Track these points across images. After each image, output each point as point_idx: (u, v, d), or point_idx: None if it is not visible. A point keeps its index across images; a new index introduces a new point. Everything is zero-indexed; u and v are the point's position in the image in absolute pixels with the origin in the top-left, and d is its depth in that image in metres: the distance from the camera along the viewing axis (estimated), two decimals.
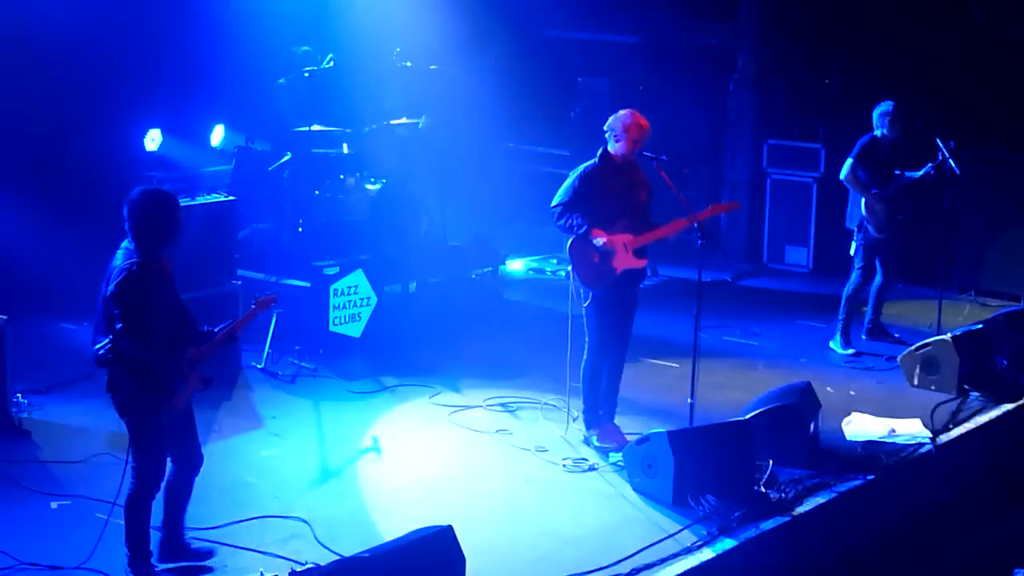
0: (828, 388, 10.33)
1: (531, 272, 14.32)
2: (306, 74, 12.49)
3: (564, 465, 8.79)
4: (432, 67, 13.70)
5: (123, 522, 6.88)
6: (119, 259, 6.74)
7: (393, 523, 7.31)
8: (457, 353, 11.15)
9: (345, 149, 12.52)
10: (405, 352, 11.08)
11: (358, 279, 11.10)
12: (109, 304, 6.65)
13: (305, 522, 7.66)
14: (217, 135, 13.00)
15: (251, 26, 12.98)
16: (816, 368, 11.08)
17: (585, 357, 9.07)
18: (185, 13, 12.52)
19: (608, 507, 8.24)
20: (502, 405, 9.90)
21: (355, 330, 11.09)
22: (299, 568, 6.36)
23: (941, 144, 11.25)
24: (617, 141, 8.83)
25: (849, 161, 11.28)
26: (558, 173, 14.22)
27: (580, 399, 9.19)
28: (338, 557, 6.56)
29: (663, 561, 7.38)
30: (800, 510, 8.17)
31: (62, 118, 11.55)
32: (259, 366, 10.49)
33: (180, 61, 12.32)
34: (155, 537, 7.02)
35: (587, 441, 9.13)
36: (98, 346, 6.73)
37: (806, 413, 8.90)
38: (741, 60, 15.19)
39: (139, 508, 6.86)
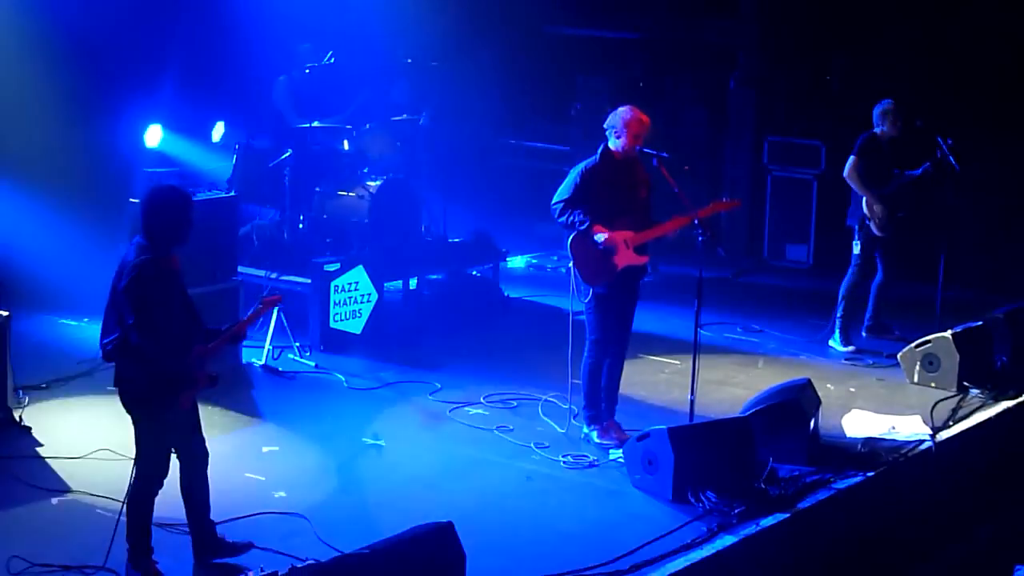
0: (828, 385, 10.34)
1: (532, 269, 14.33)
2: (307, 71, 12.50)
3: (564, 462, 8.79)
4: (433, 64, 13.73)
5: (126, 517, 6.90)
6: (130, 255, 6.76)
7: (393, 519, 7.30)
8: (457, 349, 11.16)
9: (346, 146, 12.53)
10: (405, 348, 11.09)
11: (359, 275, 11.11)
12: (119, 299, 6.67)
13: (305, 518, 7.67)
14: (218, 131, 13.01)
15: (252, 23, 12.99)
16: (816, 365, 11.09)
17: (586, 354, 9.07)
18: (186, 9, 12.52)
19: (608, 504, 8.25)
20: (502, 401, 9.90)
21: (356, 326, 11.10)
22: (299, 564, 6.36)
23: (941, 142, 11.25)
24: (618, 137, 8.83)
25: (851, 158, 11.29)
26: (559, 170, 14.24)
27: (580, 396, 9.20)
28: (338, 553, 6.56)
29: (663, 558, 7.37)
30: (800, 507, 8.17)
31: (62, 115, 11.55)
32: (259, 362, 10.50)
33: (181, 57, 12.32)
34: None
35: (587, 438, 9.13)
36: (106, 340, 6.75)
37: (806, 410, 8.90)
38: (742, 57, 15.19)
39: (141, 503, 6.87)
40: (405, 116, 13.17)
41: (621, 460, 8.64)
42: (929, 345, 10.61)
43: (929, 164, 11.28)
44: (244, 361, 10.46)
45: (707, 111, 15.53)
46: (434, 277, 12.47)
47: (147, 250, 6.73)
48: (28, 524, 7.55)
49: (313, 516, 7.69)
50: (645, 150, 8.80)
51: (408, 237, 12.26)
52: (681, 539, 7.60)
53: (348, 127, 12.52)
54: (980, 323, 10.88)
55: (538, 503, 8.20)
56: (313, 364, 10.62)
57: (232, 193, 11.21)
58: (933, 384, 10.49)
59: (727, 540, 7.65)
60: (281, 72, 12.99)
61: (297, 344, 10.75)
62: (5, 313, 8.83)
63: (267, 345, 10.59)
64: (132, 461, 6.88)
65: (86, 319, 11.08)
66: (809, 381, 9.22)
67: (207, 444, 7.11)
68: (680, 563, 7.34)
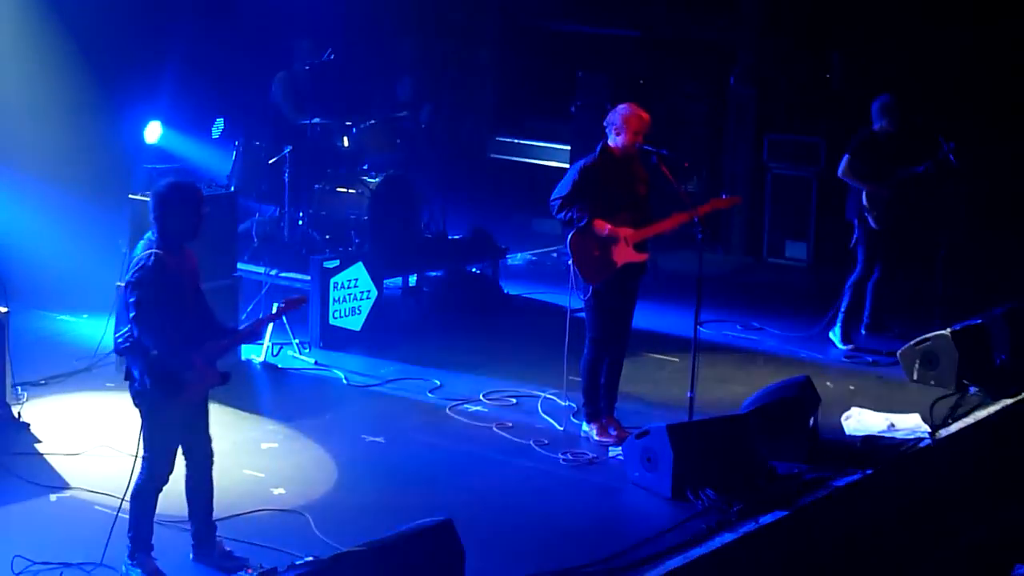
0: (827, 383, 10.33)
1: (531, 266, 14.31)
2: (307, 67, 12.49)
3: (564, 459, 8.79)
4: (432, 61, 13.73)
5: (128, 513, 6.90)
6: (139, 249, 6.80)
7: (392, 516, 7.30)
8: (457, 347, 11.15)
9: (345, 143, 12.52)
10: (405, 345, 11.09)
11: (358, 272, 11.11)
12: (125, 293, 6.70)
13: (304, 515, 7.66)
14: (217, 128, 12.99)
15: (252, 19, 12.98)
16: (816, 363, 11.08)
17: (585, 351, 9.07)
18: (186, 6, 12.51)
19: (607, 501, 8.25)
20: (502, 398, 9.90)
21: (355, 323, 11.10)
22: (298, 561, 6.36)
23: (941, 139, 11.24)
24: (617, 134, 8.82)
25: (845, 157, 11.28)
26: (558, 167, 14.28)
27: (580, 393, 9.20)
28: (337, 550, 6.56)
29: (662, 555, 7.36)
30: (799, 504, 8.17)
31: (61, 110, 11.55)
32: (259, 359, 10.49)
33: (181, 53, 12.31)
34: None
35: (586, 435, 9.13)
36: (117, 335, 6.80)
37: (805, 407, 8.90)
38: (741, 54, 15.18)
39: (143, 499, 6.87)
40: (405, 113, 13.16)
41: (620, 457, 8.64)
42: (928, 343, 10.60)
43: (930, 162, 11.27)
44: (243, 358, 10.45)
45: (707, 108, 15.51)
46: (433, 274, 12.47)
47: (155, 244, 6.74)
48: (26, 520, 7.54)
49: (312, 513, 7.69)
50: (645, 147, 8.79)
51: (408, 234, 12.25)
52: (680, 536, 7.60)
53: (348, 124, 12.51)
54: (980, 321, 10.87)
55: (538, 500, 8.20)
56: (312, 361, 10.62)
57: (231, 189, 11.20)
58: (932, 382, 10.48)
59: (726, 538, 7.65)
60: (281, 68, 12.98)
61: (296, 341, 10.74)
62: (4, 309, 8.82)
63: (266, 342, 10.58)
64: (132, 457, 6.88)
65: (85, 315, 11.08)
66: (808, 379, 9.21)
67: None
68: (679, 560, 7.34)
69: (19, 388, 9.17)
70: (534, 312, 12.39)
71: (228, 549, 7.12)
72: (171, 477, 6.94)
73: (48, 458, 8.39)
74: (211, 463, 7.08)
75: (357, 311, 11.11)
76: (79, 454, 8.42)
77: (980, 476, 9.60)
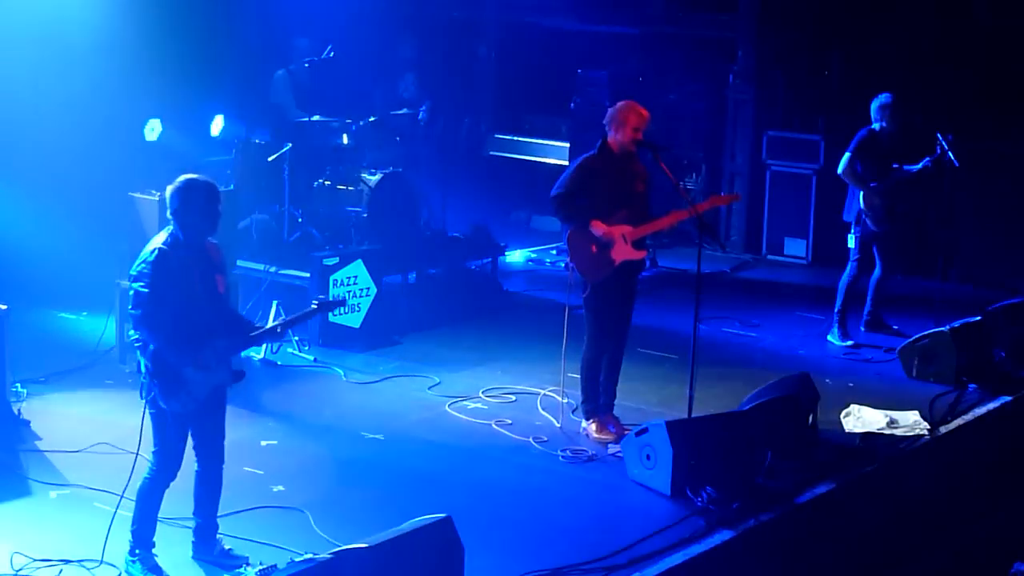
0: (827, 380, 10.33)
1: (530, 263, 14.32)
2: (306, 65, 12.48)
3: (563, 456, 8.80)
4: (432, 58, 13.72)
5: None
6: (148, 244, 6.81)
7: (392, 513, 7.31)
8: (456, 343, 11.16)
9: (345, 140, 12.52)
10: (404, 343, 11.10)
11: (358, 269, 11.11)
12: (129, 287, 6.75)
13: (304, 512, 7.67)
14: (217, 125, 12.99)
15: (252, 16, 12.97)
16: (815, 360, 11.08)
17: (584, 348, 9.08)
18: (185, 3, 12.50)
19: (606, 498, 8.26)
20: (501, 395, 9.91)
21: (354, 320, 11.10)
22: (298, 558, 6.36)
23: (940, 138, 11.24)
24: (617, 132, 8.83)
25: (846, 155, 11.28)
26: (557, 165, 14.29)
27: (579, 390, 9.20)
28: (337, 547, 6.56)
29: (662, 552, 7.38)
30: (798, 501, 8.18)
31: (61, 109, 11.54)
32: (258, 356, 10.49)
33: (181, 51, 12.30)
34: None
35: (585, 432, 9.14)
36: (132, 330, 6.83)
37: (805, 405, 8.90)
38: (741, 52, 15.18)
39: (148, 495, 6.87)
40: (405, 111, 13.15)
41: (619, 454, 8.64)
42: (927, 340, 10.61)
43: (929, 161, 11.27)
44: (243, 355, 10.44)
45: (706, 106, 15.50)
46: (433, 271, 12.47)
47: (168, 240, 6.74)
48: (26, 517, 7.55)
49: (312, 510, 7.69)
50: (644, 144, 8.80)
51: (407, 231, 12.26)
52: (680, 533, 7.61)
53: (348, 121, 12.52)
54: (979, 318, 10.88)
55: (537, 497, 8.21)
56: (312, 358, 10.62)
57: (231, 187, 11.19)
58: (932, 379, 10.49)
59: (725, 534, 7.66)
60: (280, 66, 12.96)
61: (296, 338, 10.75)
62: (3, 306, 8.82)
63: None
64: (132, 454, 6.88)
65: (85, 312, 11.08)
66: (808, 376, 9.22)
67: None
68: (679, 557, 7.35)
69: (19, 385, 9.17)
70: (533, 309, 12.39)
71: (228, 547, 7.13)
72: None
73: (48, 455, 8.40)
74: (222, 461, 7.08)
75: (356, 308, 11.11)
76: (79, 451, 8.43)
77: (979, 473, 9.61)
